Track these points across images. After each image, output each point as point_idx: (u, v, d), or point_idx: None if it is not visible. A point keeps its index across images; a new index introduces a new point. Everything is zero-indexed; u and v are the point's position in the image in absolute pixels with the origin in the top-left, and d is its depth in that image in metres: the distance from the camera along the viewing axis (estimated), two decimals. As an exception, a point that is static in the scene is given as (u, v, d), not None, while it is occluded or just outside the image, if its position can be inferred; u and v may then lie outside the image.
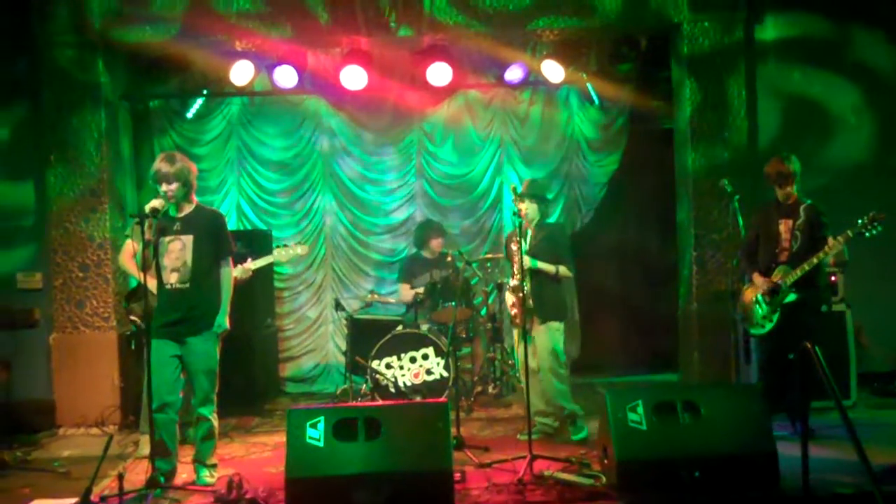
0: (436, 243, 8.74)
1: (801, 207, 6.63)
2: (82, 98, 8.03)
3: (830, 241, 6.34)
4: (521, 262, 6.57)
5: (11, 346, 7.74)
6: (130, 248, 6.03)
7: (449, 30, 8.07)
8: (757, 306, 6.72)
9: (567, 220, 9.46)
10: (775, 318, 6.63)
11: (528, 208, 6.89)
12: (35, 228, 8.21)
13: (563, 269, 6.88)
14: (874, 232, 6.21)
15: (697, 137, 8.12)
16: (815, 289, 6.64)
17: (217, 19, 7.97)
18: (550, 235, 6.99)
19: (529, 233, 6.94)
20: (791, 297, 6.52)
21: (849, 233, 6.27)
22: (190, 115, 9.41)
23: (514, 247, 6.78)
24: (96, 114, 8.05)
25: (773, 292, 6.61)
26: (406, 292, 8.63)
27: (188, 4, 7.95)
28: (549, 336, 6.83)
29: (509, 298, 6.98)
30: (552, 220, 7.37)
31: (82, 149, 8.04)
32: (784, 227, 6.66)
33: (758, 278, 6.72)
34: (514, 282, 6.83)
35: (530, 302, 6.77)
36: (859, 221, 6.24)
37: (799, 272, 6.47)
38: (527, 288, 6.73)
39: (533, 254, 6.82)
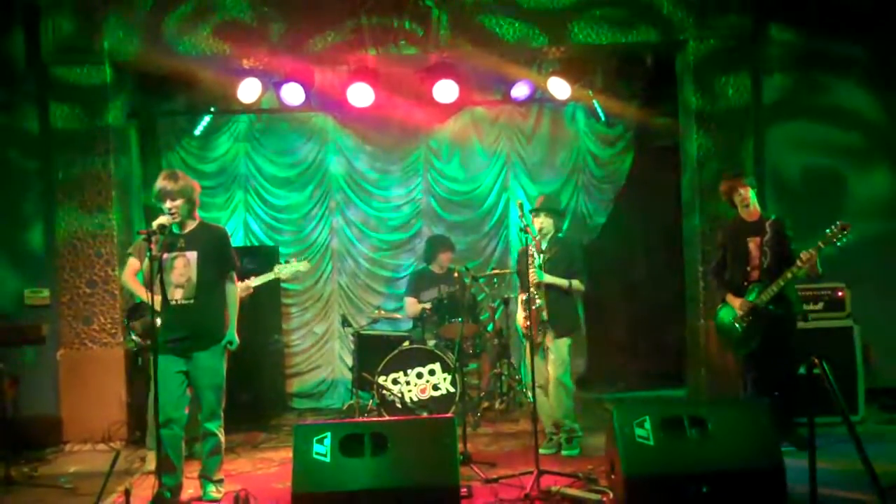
0: (444, 257, 8.75)
1: (767, 223, 6.69)
2: (90, 115, 8.06)
3: (804, 254, 6.30)
4: (529, 276, 6.69)
5: (19, 362, 7.76)
6: (133, 266, 6.03)
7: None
8: (737, 325, 6.73)
9: (574, 235, 9.48)
10: (758, 336, 6.65)
11: (544, 223, 6.98)
12: (43, 245, 8.24)
13: (575, 283, 6.93)
14: (844, 241, 6.21)
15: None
16: (789, 303, 6.71)
17: (222, 38, 8.05)
18: (566, 249, 7.06)
19: (543, 246, 6.97)
20: (771, 311, 6.57)
21: (820, 244, 6.26)
22: (197, 132, 9.43)
23: (528, 261, 6.83)
24: (104, 131, 8.08)
25: (752, 313, 6.63)
26: (412, 307, 8.62)
27: (192, 23, 8.04)
28: (564, 350, 6.89)
29: (521, 313, 7.00)
30: (562, 234, 7.42)
31: (90, 166, 8.06)
32: (753, 244, 6.71)
33: (734, 300, 6.75)
34: (523, 296, 6.88)
35: (545, 315, 6.81)
36: (828, 231, 6.25)
37: (775, 287, 6.51)
38: (542, 301, 6.78)
39: (548, 268, 6.85)
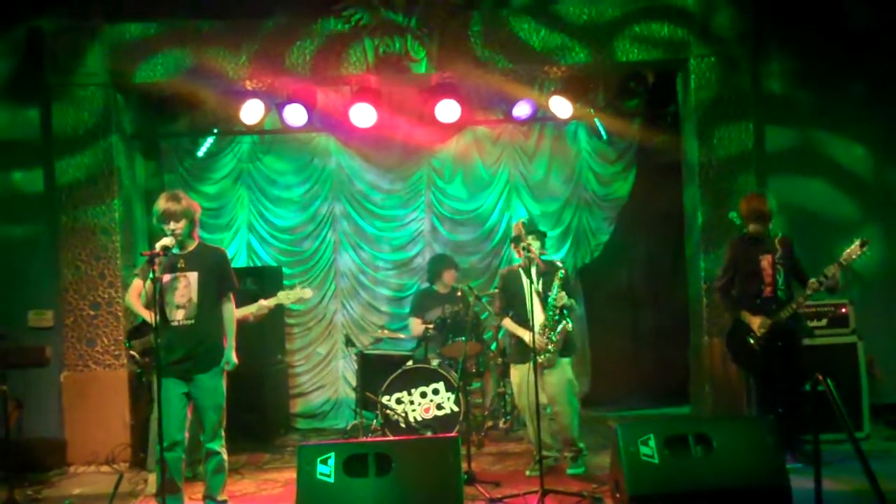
0: (448, 276, 8.75)
1: (777, 240, 6.71)
2: (94, 137, 8.09)
3: (829, 270, 6.36)
4: (557, 299, 6.75)
5: (23, 384, 7.74)
6: (136, 288, 6.03)
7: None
8: (753, 343, 6.69)
9: (577, 254, 9.53)
10: (775, 353, 6.63)
11: (534, 245, 6.93)
12: (46, 266, 8.23)
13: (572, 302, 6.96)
14: (861, 258, 6.36)
15: (705, 181, 8.15)
16: (801, 319, 6.88)
17: (229, 61, 8.11)
18: (556, 269, 6.99)
19: (539, 267, 6.95)
20: (788, 326, 6.62)
21: (842, 260, 6.34)
22: (200, 153, 9.46)
23: (525, 282, 6.83)
24: (108, 153, 8.11)
25: (771, 329, 6.62)
26: (417, 327, 8.61)
27: (200, 47, 8.10)
28: (565, 371, 6.87)
29: (540, 335, 6.95)
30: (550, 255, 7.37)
31: (93, 187, 8.09)
32: (766, 262, 6.70)
33: (753, 319, 6.69)
34: (542, 317, 6.82)
35: (555, 336, 6.78)
36: (847, 248, 6.33)
37: (794, 305, 6.56)
38: (570, 322, 6.82)
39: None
